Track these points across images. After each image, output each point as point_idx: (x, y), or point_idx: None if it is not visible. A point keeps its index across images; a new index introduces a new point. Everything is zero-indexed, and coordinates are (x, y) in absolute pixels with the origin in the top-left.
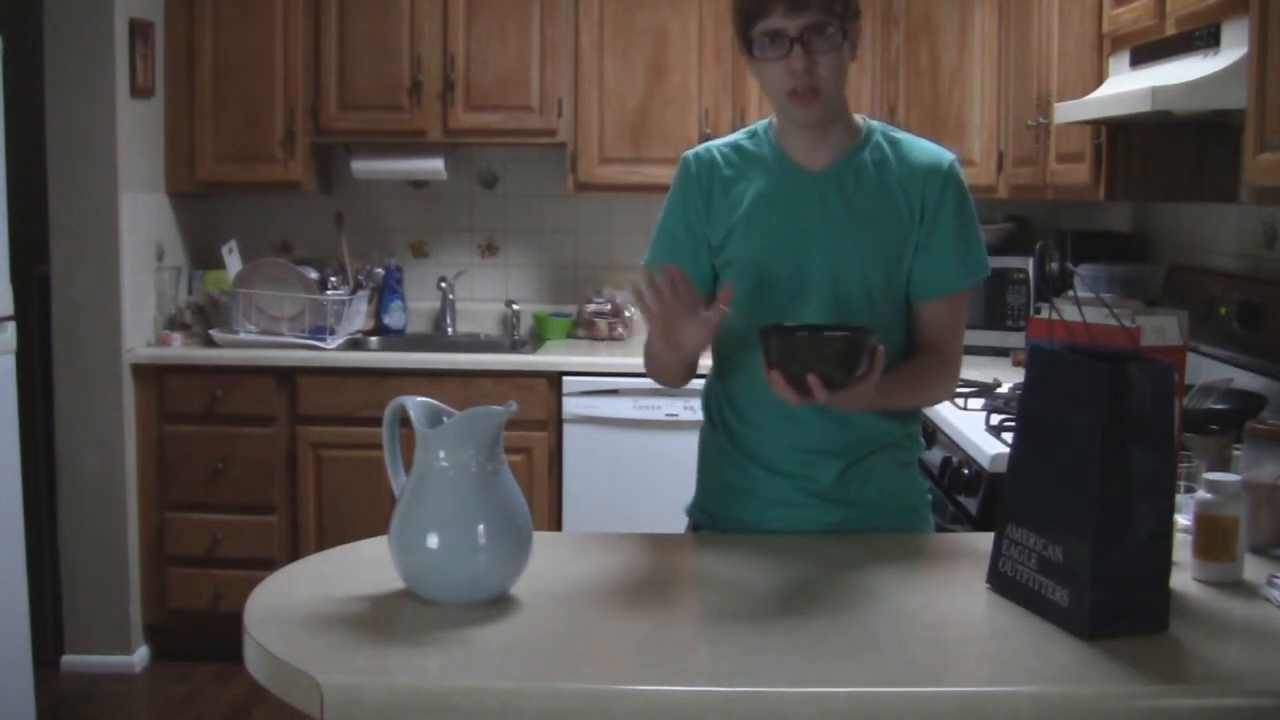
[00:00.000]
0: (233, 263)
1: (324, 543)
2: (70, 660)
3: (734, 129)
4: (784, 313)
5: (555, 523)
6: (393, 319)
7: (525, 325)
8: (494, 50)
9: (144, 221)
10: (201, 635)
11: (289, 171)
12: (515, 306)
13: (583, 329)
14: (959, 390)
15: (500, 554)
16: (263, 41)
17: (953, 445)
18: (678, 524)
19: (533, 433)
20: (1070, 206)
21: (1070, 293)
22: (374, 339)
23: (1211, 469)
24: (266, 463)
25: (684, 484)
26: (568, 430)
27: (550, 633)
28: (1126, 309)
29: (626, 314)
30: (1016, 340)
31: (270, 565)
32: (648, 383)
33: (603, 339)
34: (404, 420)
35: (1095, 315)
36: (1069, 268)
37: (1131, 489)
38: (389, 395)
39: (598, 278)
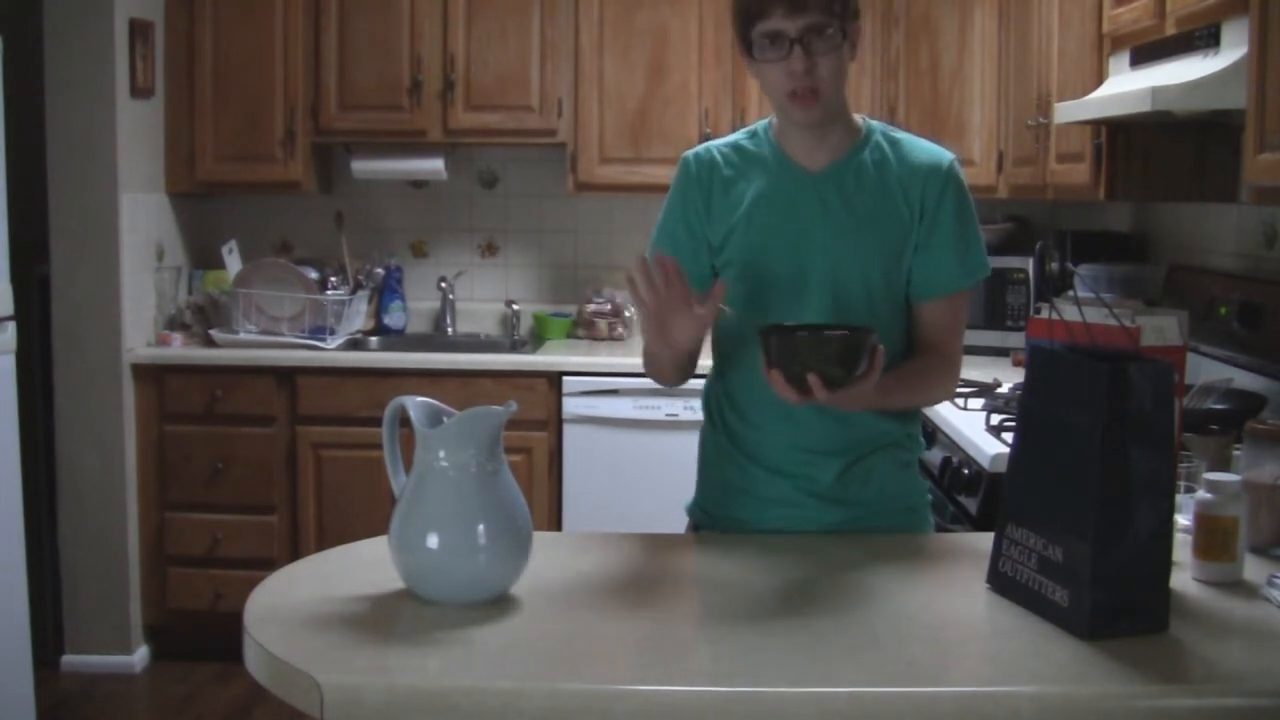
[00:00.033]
0: (233, 263)
1: (324, 543)
2: (70, 660)
3: (734, 129)
4: (784, 313)
5: (555, 523)
6: (393, 319)
7: (525, 325)
8: (494, 50)
9: (144, 221)
10: (201, 635)
11: (289, 171)
12: (515, 306)
13: (583, 329)
14: (959, 390)
15: (500, 554)
16: (263, 41)
17: (953, 445)
18: (678, 524)
19: (533, 433)
20: (1070, 206)
21: (1070, 293)
22: (374, 339)
23: (1211, 469)
24: (266, 463)
25: (684, 484)
26: (568, 430)
27: (550, 633)
28: (1126, 309)
29: (626, 314)
30: (1016, 340)
31: (270, 565)
32: (648, 383)
33: (603, 339)
34: (404, 420)
35: (1095, 315)
36: (1069, 268)
37: (1131, 489)
38: (389, 395)
39: (598, 278)
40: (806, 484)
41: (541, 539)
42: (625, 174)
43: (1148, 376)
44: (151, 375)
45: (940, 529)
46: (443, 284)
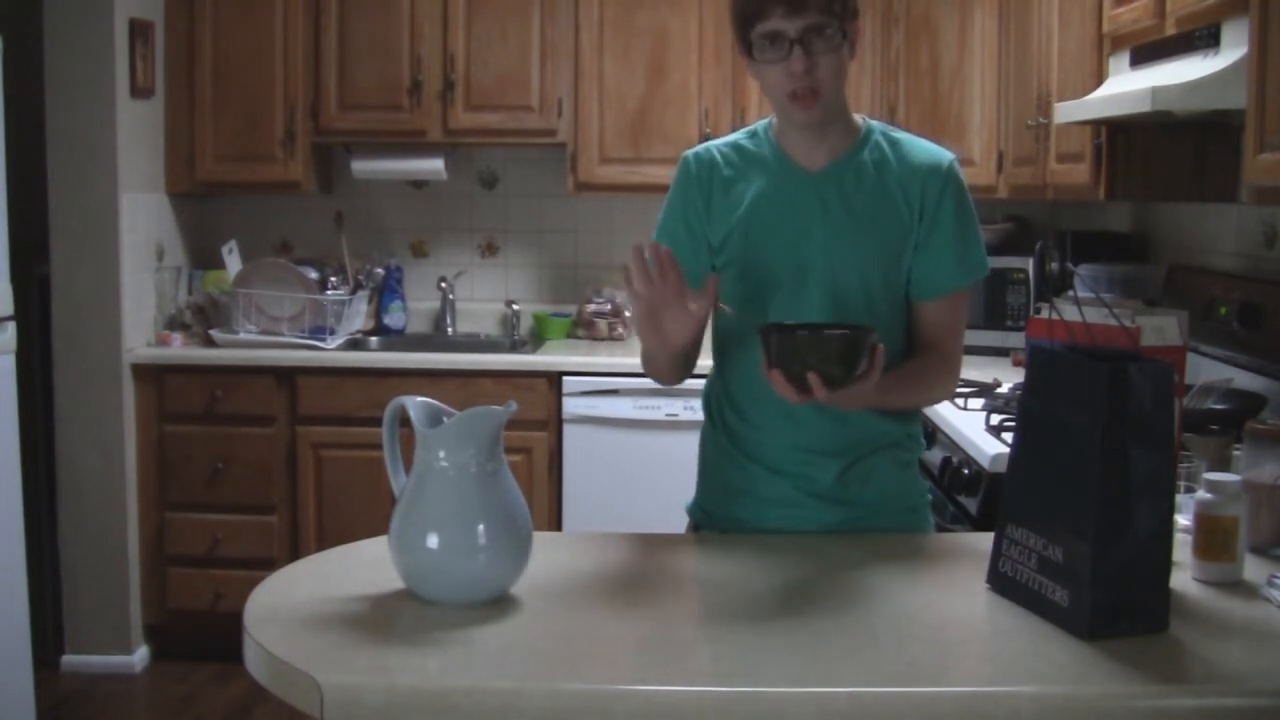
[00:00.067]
0: (233, 263)
1: (324, 543)
2: (70, 660)
3: (734, 129)
4: (783, 312)
5: (555, 523)
6: (393, 319)
7: (525, 325)
8: (494, 50)
9: (144, 221)
10: (201, 635)
11: (289, 171)
12: (515, 306)
13: (583, 329)
14: (959, 390)
15: (500, 554)
16: (263, 41)
17: (953, 445)
18: (678, 524)
19: (533, 433)
20: (1070, 206)
21: (1070, 293)
22: (374, 339)
23: (1211, 469)
24: (266, 463)
25: (684, 484)
26: (568, 430)
27: (550, 633)
28: (1126, 309)
29: (626, 314)
30: (1016, 340)
31: (270, 565)
32: (648, 383)
33: (603, 339)
34: (404, 420)
35: (1095, 315)
36: (1069, 268)
37: (1131, 489)
38: (389, 395)
39: (598, 278)
40: (806, 484)
41: (541, 539)
42: (625, 174)
43: (1148, 376)
44: (151, 375)
45: (940, 529)
46: (443, 284)
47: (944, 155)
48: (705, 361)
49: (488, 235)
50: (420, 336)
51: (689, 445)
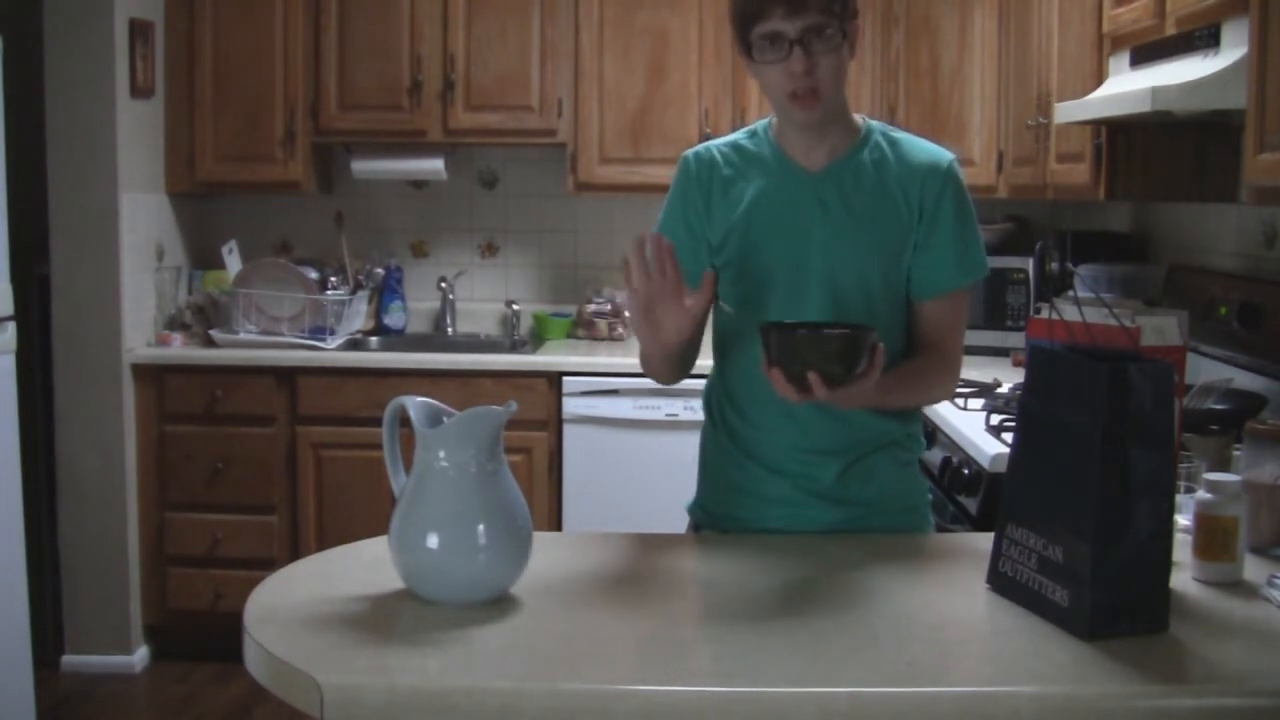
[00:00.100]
0: (233, 263)
1: (324, 543)
2: (70, 660)
3: (734, 129)
4: (783, 312)
5: (555, 523)
6: (393, 319)
7: (525, 325)
8: (494, 50)
9: (144, 221)
10: (201, 635)
11: (289, 171)
12: (515, 306)
13: (583, 329)
14: (959, 390)
15: (500, 554)
16: (263, 41)
17: (953, 445)
18: (678, 524)
19: (533, 433)
20: (1070, 206)
21: (1070, 293)
22: (374, 339)
23: (1211, 469)
24: (266, 463)
25: (684, 484)
26: (568, 430)
27: (550, 633)
28: (1126, 309)
29: (626, 314)
30: (1016, 340)
31: (270, 565)
32: (648, 383)
33: (603, 339)
34: (404, 420)
35: (1095, 315)
36: (1069, 268)
37: (1131, 489)
38: (389, 395)
39: (598, 278)
40: (807, 483)
41: (541, 539)
42: (625, 174)
43: (1148, 376)
44: (151, 375)
45: (940, 529)
46: (443, 284)
47: (943, 155)
48: (706, 361)
49: (488, 235)
50: (420, 336)
51: (689, 445)
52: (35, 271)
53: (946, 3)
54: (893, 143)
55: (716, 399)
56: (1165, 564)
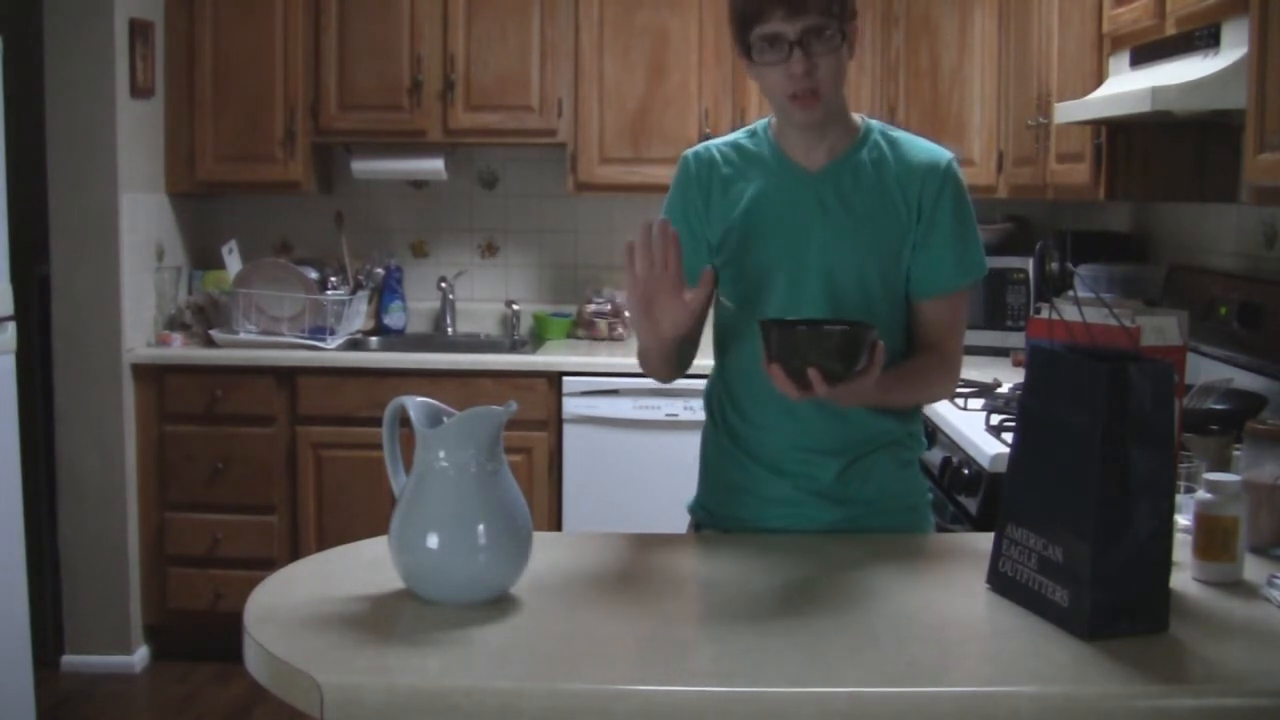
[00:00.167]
0: (233, 263)
1: (324, 543)
2: (70, 660)
3: (734, 129)
4: (782, 312)
5: (555, 523)
6: (393, 319)
7: (525, 325)
8: (494, 50)
9: (144, 221)
10: (201, 635)
11: (289, 171)
12: (515, 306)
13: (583, 329)
14: (959, 390)
15: (500, 554)
16: (263, 41)
17: (953, 445)
18: (678, 524)
19: (533, 433)
20: (1070, 206)
21: (1070, 293)
22: (374, 339)
23: (1211, 469)
24: (266, 463)
25: (684, 484)
26: (568, 430)
27: (550, 633)
28: (1126, 309)
29: (626, 314)
30: (1016, 340)
31: (270, 565)
32: (648, 383)
33: (603, 339)
34: (404, 420)
35: (1095, 315)
36: (1069, 268)
37: (1131, 489)
38: (389, 395)
39: (598, 278)
40: (807, 482)
41: (541, 539)
42: (625, 174)
43: (1148, 376)
44: (151, 375)
45: (940, 529)
46: (443, 284)
47: (942, 154)
48: (707, 361)
49: (488, 235)
50: (420, 336)
51: (689, 445)
52: (35, 271)
53: (946, 3)
54: (892, 142)
55: (717, 398)
56: (1165, 564)
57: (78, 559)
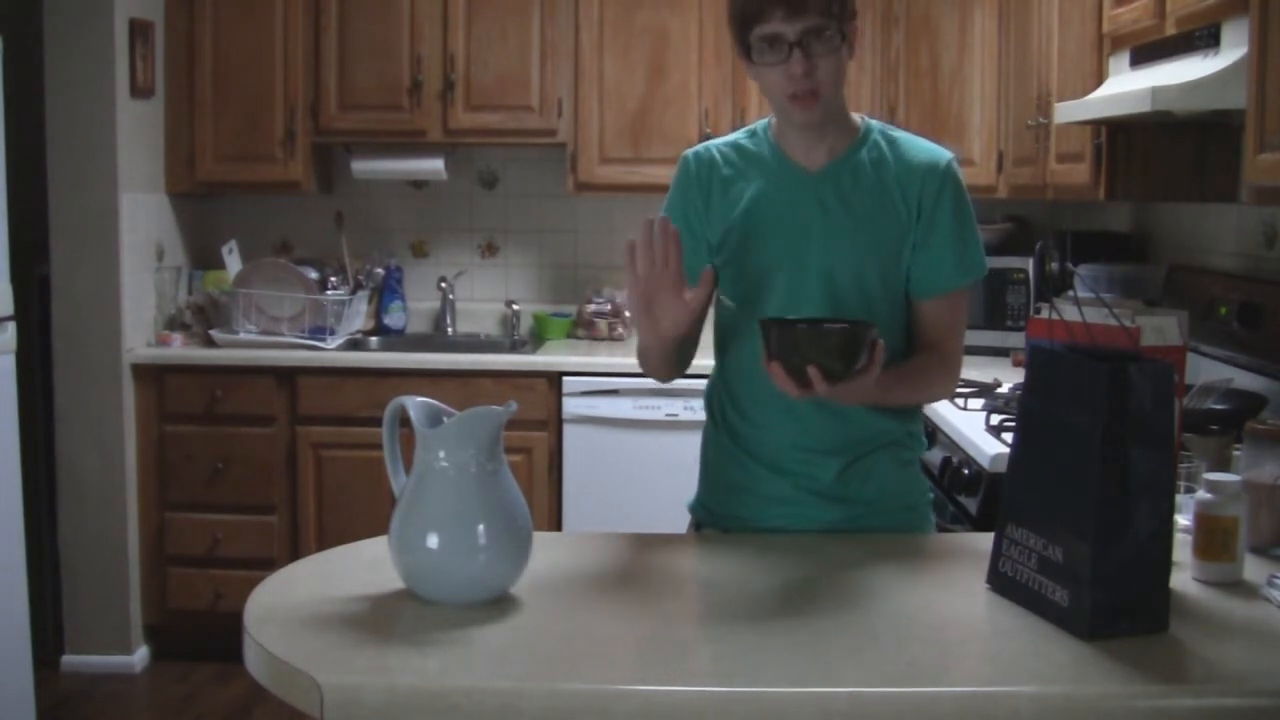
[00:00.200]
0: (233, 263)
1: (324, 543)
2: (70, 660)
3: (734, 129)
4: (781, 312)
5: (555, 523)
6: (393, 319)
7: (525, 325)
8: (494, 50)
9: (144, 221)
10: (201, 635)
11: (289, 171)
12: (515, 306)
13: (583, 329)
14: (959, 390)
15: (500, 554)
16: (263, 41)
17: (953, 445)
18: (678, 523)
19: (533, 433)
20: (1070, 206)
21: (1070, 293)
22: (374, 339)
23: (1211, 469)
24: (266, 463)
25: (684, 484)
26: (568, 430)
27: (550, 633)
28: (1126, 309)
29: (626, 314)
30: (1016, 340)
31: (270, 565)
32: (648, 383)
33: (603, 339)
34: (404, 420)
35: (1095, 315)
36: (1069, 268)
37: (1131, 489)
38: (389, 395)
39: (598, 278)
40: (807, 482)
41: (541, 539)
42: (625, 174)
43: (1148, 376)
44: (151, 375)
45: (940, 529)
46: (443, 284)
47: (942, 154)
48: (707, 361)
49: (488, 235)
50: (420, 336)
51: (689, 445)
52: (35, 271)
53: (946, 3)
54: (891, 142)
55: (718, 398)
56: (1165, 564)
57: (78, 559)
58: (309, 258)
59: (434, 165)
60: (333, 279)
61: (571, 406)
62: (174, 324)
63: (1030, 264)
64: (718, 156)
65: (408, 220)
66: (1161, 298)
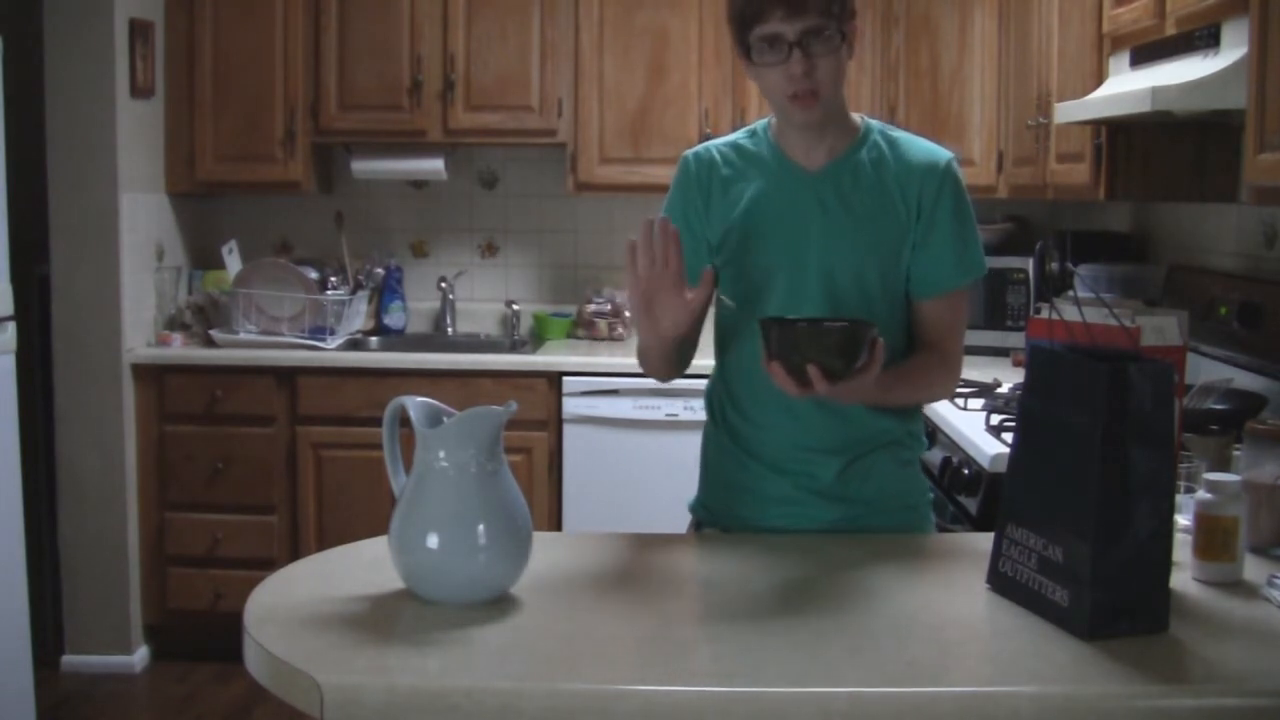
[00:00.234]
0: (233, 263)
1: (324, 543)
2: (70, 660)
3: (734, 129)
4: (782, 311)
5: (555, 523)
6: (393, 319)
7: (525, 325)
8: (494, 50)
9: (144, 221)
10: (201, 635)
11: (289, 171)
12: (515, 306)
13: (583, 329)
14: (959, 390)
15: (500, 554)
16: (263, 41)
17: (953, 445)
18: (678, 523)
19: (533, 433)
20: (1070, 206)
21: (1070, 293)
22: (374, 339)
23: (1211, 469)
24: (266, 463)
25: (684, 484)
26: (568, 430)
27: (550, 633)
28: (1126, 309)
29: (626, 314)
30: (1016, 340)
31: (270, 565)
32: (648, 383)
33: (603, 339)
34: (404, 420)
35: (1095, 315)
36: (1069, 268)
37: (1131, 489)
38: (389, 395)
39: (598, 278)
40: (807, 481)
41: (541, 539)
42: (625, 174)
43: (1148, 376)
44: (151, 375)
45: (940, 529)
46: (443, 284)
47: (941, 154)
48: (707, 361)
49: (488, 235)
50: (420, 336)
51: (689, 445)
52: (35, 271)
53: (946, 3)
54: (891, 142)
55: (718, 397)
56: (1165, 564)
57: (78, 559)
58: (309, 258)
59: (434, 165)
60: (333, 279)
61: (571, 406)
62: (174, 324)
63: (1030, 264)
64: (717, 157)
65: (408, 220)
66: (1161, 298)
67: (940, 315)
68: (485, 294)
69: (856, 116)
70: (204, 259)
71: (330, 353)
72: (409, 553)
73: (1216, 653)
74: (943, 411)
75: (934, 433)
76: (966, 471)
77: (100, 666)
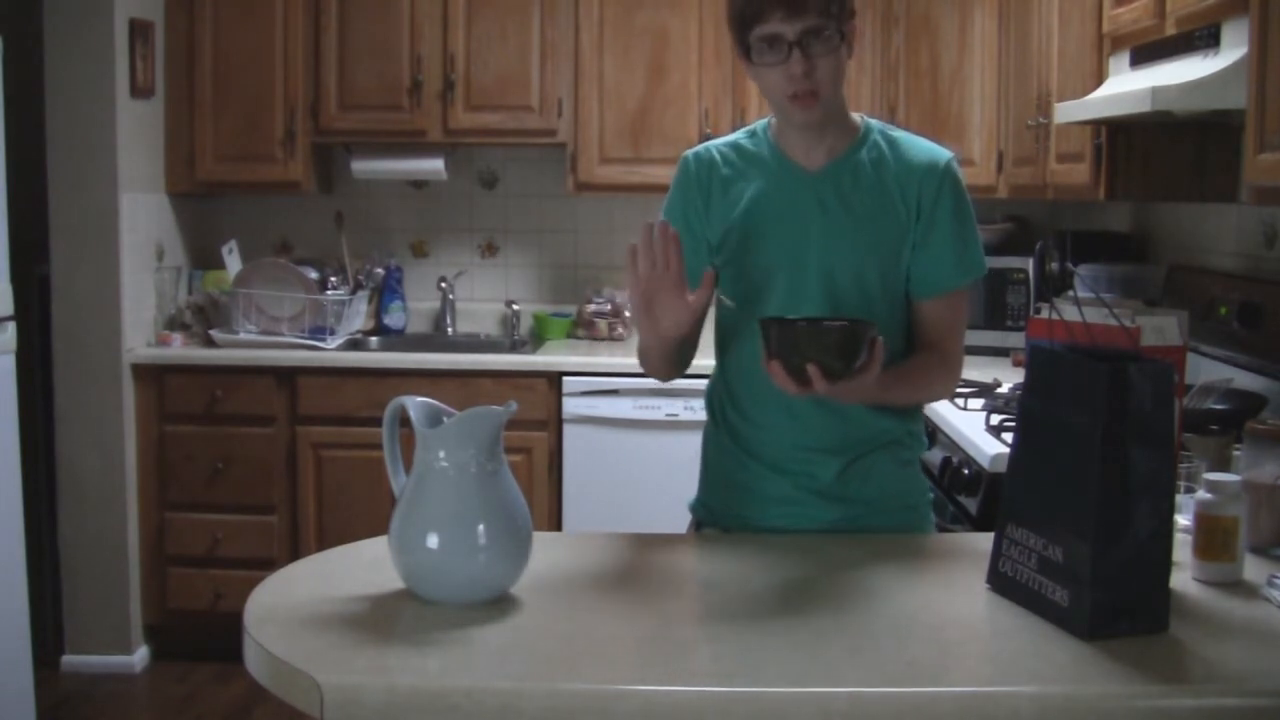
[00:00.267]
0: (233, 263)
1: (324, 543)
2: (70, 660)
3: (734, 129)
4: (782, 311)
5: (555, 523)
6: (393, 319)
7: (525, 325)
8: (494, 50)
9: (144, 221)
10: (201, 635)
11: (289, 171)
12: (515, 306)
13: (583, 329)
14: (959, 390)
15: (500, 554)
16: (263, 41)
17: (953, 445)
18: (678, 523)
19: (533, 433)
20: (1070, 206)
21: (1070, 293)
22: (374, 339)
23: (1211, 469)
24: (266, 463)
25: (684, 484)
26: (568, 430)
27: (550, 633)
28: (1126, 309)
29: (626, 314)
30: (1016, 340)
31: (270, 565)
32: (648, 383)
33: (603, 339)
34: (404, 420)
35: (1095, 315)
36: (1069, 268)
37: (1131, 489)
38: (389, 395)
39: (598, 278)
40: (807, 481)
41: (541, 539)
42: (625, 174)
43: (1148, 376)
44: (151, 375)
45: (940, 529)
46: (443, 284)
47: (941, 154)
48: (708, 361)
49: (488, 235)
50: (420, 336)
51: (689, 445)
52: (35, 271)
53: (946, 3)
54: (891, 142)
55: (718, 397)
56: (1165, 564)
57: (78, 559)
58: (309, 258)
59: (434, 165)
60: (333, 279)
61: (571, 406)
62: (174, 324)
63: (1030, 264)
64: (717, 157)
65: (408, 220)
66: (1161, 298)
67: (940, 315)
68: (485, 294)
69: (856, 116)
70: (204, 259)
71: (330, 353)
72: (409, 553)
73: (1216, 653)
74: (943, 411)
75: (934, 433)
76: (966, 471)
77: (100, 666)
